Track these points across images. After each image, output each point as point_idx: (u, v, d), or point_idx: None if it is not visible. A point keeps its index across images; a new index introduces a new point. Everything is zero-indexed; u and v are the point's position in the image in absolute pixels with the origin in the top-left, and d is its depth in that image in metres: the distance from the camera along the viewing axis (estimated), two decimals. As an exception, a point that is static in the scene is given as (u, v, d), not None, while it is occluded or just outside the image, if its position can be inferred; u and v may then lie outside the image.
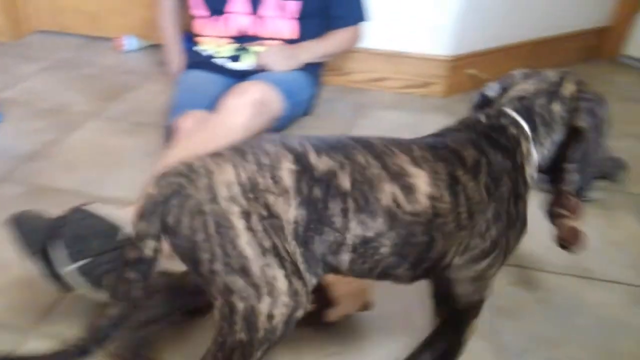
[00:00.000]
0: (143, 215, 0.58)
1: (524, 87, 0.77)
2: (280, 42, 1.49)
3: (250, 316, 0.58)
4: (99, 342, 0.60)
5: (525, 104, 0.75)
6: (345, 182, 0.61)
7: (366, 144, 0.65)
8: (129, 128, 1.54)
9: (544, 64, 2.16)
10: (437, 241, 0.65)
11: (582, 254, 1.12)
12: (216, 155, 0.61)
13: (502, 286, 1.02)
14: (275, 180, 0.59)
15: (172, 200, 0.57)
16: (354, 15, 1.57)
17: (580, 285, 1.04)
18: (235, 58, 1.49)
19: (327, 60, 1.68)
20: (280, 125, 1.35)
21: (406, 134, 1.59)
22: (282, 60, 1.43)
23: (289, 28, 1.47)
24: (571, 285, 1.04)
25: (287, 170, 0.60)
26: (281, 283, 0.58)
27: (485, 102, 0.81)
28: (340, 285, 0.88)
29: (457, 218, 0.66)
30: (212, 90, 1.37)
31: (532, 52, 2.07)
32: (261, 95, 1.19)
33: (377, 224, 0.62)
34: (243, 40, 1.48)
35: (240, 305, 0.57)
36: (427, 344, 0.79)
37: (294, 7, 1.44)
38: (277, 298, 0.58)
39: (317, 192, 0.60)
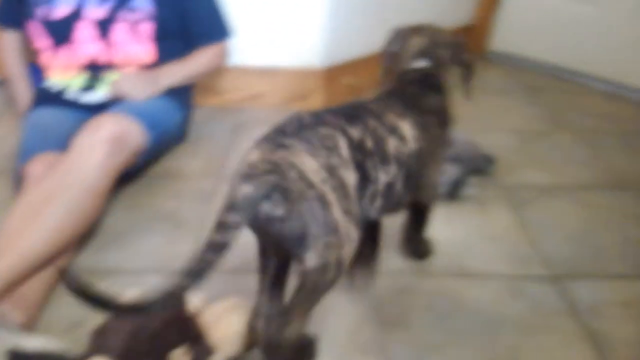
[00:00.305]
0: (235, 209, 0.68)
1: (419, 40, 1.00)
2: (137, 67, 1.39)
3: (339, 262, 0.73)
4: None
5: (428, 52, 0.98)
6: (369, 143, 0.79)
7: (369, 110, 0.84)
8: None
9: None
10: (426, 166, 0.90)
11: (460, 252, 1.16)
12: (286, 147, 0.72)
13: (386, 297, 1.02)
14: (340, 156, 0.74)
15: (275, 195, 0.68)
16: (217, 31, 1.51)
17: (459, 284, 1.07)
18: (88, 89, 1.37)
19: (194, 81, 1.61)
20: (148, 157, 1.27)
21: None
22: (140, 87, 1.32)
23: (145, 52, 1.38)
24: (451, 285, 1.07)
25: (343, 145, 0.76)
26: (353, 234, 0.74)
27: (393, 57, 1.03)
28: (217, 331, 0.82)
29: (431, 146, 0.90)
30: (64, 128, 1.25)
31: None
32: (118, 130, 1.09)
33: (392, 170, 0.83)
34: (96, 69, 1.36)
35: (333, 257, 0.72)
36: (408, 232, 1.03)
37: (148, 29, 1.35)
38: (351, 245, 0.74)
39: (359, 156, 0.77)
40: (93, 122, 1.11)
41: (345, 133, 0.77)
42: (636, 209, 1.35)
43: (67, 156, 1.05)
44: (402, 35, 1.05)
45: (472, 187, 1.36)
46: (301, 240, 0.70)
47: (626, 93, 2.17)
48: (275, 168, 0.69)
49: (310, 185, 0.69)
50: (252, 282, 1.03)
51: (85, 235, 1.09)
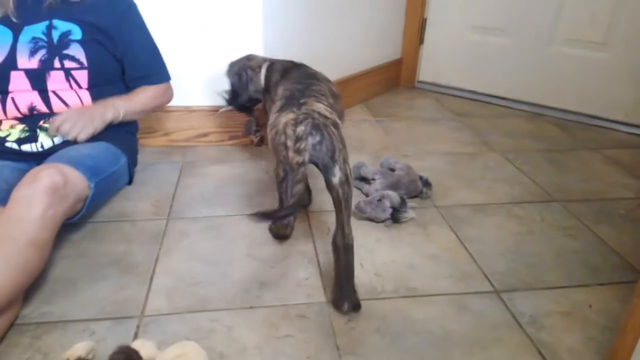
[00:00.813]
0: (301, 151, 1.04)
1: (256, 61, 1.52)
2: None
3: (350, 174, 1.09)
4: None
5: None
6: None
7: (316, 77, 1.30)
8: None
9: (355, 98, 2.37)
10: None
11: (406, 274, 1.21)
12: (303, 103, 1.12)
13: (339, 323, 1.05)
14: (330, 98, 1.21)
15: (316, 135, 1.06)
16: (156, 73, 1.52)
17: (408, 305, 1.11)
18: (30, 139, 1.34)
19: (137, 124, 1.61)
20: (91, 203, 1.24)
21: (233, 185, 1.60)
22: (84, 123, 1.28)
23: (81, 100, 1.37)
24: (400, 307, 1.11)
25: (328, 93, 1.23)
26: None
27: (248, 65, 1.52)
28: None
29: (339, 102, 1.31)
30: (3, 179, 1.21)
31: (341, 90, 2.23)
32: (58, 179, 1.07)
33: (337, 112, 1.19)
34: (34, 118, 1.34)
35: (348, 169, 1.09)
36: None
37: (83, 77, 1.35)
38: None
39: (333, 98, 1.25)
40: (31, 174, 1.08)
41: (326, 85, 1.27)
42: (564, 221, 1.47)
43: (6, 209, 1.02)
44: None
45: (412, 211, 1.43)
46: (332, 154, 1.06)
47: (546, 112, 2.37)
48: (307, 116, 1.07)
49: (326, 117, 1.09)
50: (206, 321, 1.04)
51: (30, 287, 1.05)
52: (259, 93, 1.51)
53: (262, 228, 1.38)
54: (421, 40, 2.62)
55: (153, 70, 1.51)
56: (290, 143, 1.05)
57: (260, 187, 1.61)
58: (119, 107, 1.39)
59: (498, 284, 1.20)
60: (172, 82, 1.58)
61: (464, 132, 2.12)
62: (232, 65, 1.55)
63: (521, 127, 2.22)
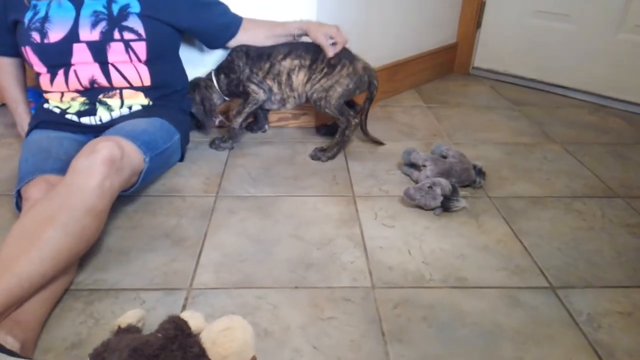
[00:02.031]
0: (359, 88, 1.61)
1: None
2: (133, 90, 1.41)
3: None
4: None
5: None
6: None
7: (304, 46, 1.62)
8: (-28, 203, 1.36)
9: (406, 83, 2.31)
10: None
11: (456, 264, 1.18)
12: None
13: (385, 309, 1.03)
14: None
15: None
16: (234, 17, 1.62)
17: (457, 296, 1.08)
18: (89, 112, 1.38)
19: (191, 103, 1.63)
20: (146, 177, 1.27)
21: (283, 166, 1.60)
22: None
23: (139, 74, 1.40)
24: (449, 297, 1.08)
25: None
26: None
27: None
28: (219, 348, 0.82)
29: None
30: (63, 150, 1.26)
31: (391, 75, 2.19)
32: (115, 152, 1.10)
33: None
34: (93, 91, 1.38)
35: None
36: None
37: (142, 50, 1.37)
38: None
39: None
40: (90, 145, 1.11)
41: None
42: (626, 218, 1.38)
43: (65, 178, 1.05)
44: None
45: (464, 200, 1.38)
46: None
47: (609, 104, 2.24)
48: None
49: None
50: (251, 298, 1.05)
51: (85, 255, 1.09)
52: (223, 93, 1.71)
53: (309, 210, 1.37)
54: (478, 25, 2.52)
55: (230, 18, 1.61)
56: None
57: (307, 169, 1.60)
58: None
59: (554, 279, 1.14)
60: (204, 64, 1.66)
61: (521, 122, 2.03)
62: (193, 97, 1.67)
63: (583, 118, 2.10)
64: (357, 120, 1.64)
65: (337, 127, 1.65)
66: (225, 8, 1.60)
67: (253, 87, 1.63)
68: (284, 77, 1.63)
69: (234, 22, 1.60)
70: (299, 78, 1.62)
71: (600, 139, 1.89)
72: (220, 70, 1.66)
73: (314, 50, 1.60)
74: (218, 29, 1.59)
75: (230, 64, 1.64)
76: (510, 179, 1.57)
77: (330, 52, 1.55)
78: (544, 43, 2.36)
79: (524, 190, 1.51)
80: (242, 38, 1.62)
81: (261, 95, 1.63)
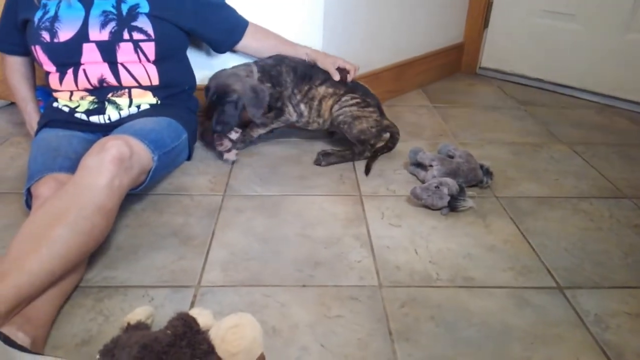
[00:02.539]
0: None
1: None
2: (141, 89, 1.42)
3: None
4: None
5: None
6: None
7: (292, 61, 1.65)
8: (-18, 201, 1.37)
9: (412, 83, 2.31)
10: None
11: (463, 263, 1.18)
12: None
13: (393, 308, 1.03)
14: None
15: None
16: (240, 19, 1.62)
17: (465, 296, 1.08)
18: (98, 111, 1.39)
19: (198, 102, 1.64)
20: (154, 176, 1.28)
21: (290, 166, 1.60)
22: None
23: (148, 74, 1.41)
24: (456, 296, 1.08)
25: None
26: None
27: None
28: (228, 345, 0.83)
29: None
30: (72, 149, 1.26)
31: (398, 74, 2.19)
32: (124, 151, 1.10)
33: None
34: (104, 91, 1.39)
35: None
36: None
37: (151, 50, 1.38)
38: None
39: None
40: (99, 144, 1.12)
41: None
42: (634, 219, 1.38)
43: (75, 177, 1.06)
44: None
45: (471, 200, 1.38)
46: None
47: (617, 104, 2.23)
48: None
49: None
50: (259, 296, 1.05)
51: (94, 253, 1.10)
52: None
53: (316, 209, 1.37)
54: (485, 24, 2.51)
55: (234, 21, 1.61)
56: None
57: (314, 168, 1.60)
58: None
59: (561, 279, 1.14)
60: (234, 60, 1.63)
61: (528, 122, 2.03)
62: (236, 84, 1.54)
63: (590, 118, 2.09)
64: (369, 155, 1.64)
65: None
66: (230, 12, 1.60)
67: (290, 108, 1.64)
68: (315, 103, 1.64)
69: (238, 28, 1.60)
70: (327, 105, 1.63)
71: (607, 140, 1.89)
72: (265, 76, 1.61)
73: (347, 85, 1.64)
74: (221, 33, 1.59)
75: (279, 76, 1.61)
76: (518, 179, 1.57)
77: (337, 77, 1.59)
78: (552, 43, 2.35)
79: (531, 190, 1.51)
80: (249, 45, 1.63)
81: (294, 118, 1.65)
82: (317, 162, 1.62)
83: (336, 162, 1.63)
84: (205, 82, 1.75)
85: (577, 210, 1.41)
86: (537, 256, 1.21)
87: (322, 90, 1.63)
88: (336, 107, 1.62)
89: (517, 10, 2.41)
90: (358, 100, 1.63)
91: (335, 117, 1.63)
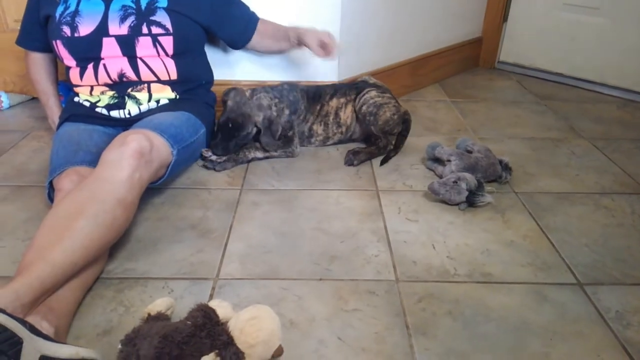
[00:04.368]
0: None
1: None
2: (160, 84, 1.43)
3: None
4: None
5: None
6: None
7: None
8: (7, 193, 1.40)
9: (430, 78, 2.29)
10: None
11: (481, 259, 1.17)
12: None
13: (410, 303, 1.03)
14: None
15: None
16: (252, 16, 1.61)
17: (483, 291, 1.07)
18: (118, 105, 1.41)
19: (215, 97, 1.65)
20: (173, 170, 1.29)
21: (306, 161, 1.60)
22: None
23: (167, 68, 1.42)
24: (474, 291, 1.07)
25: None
26: None
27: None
28: (247, 337, 0.84)
29: None
30: (93, 143, 1.29)
31: (415, 69, 2.18)
32: (145, 145, 1.12)
33: None
34: (124, 86, 1.41)
35: None
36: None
37: (168, 43, 1.39)
38: None
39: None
40: (120, 138, 1.14)
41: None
42: (655, 214, 1.35)
43: (96, 171, 1.08)
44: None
45: (490, 195, 1.37)
46: None
47: (639, 99, 2.18)
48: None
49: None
50: (277, 289, 1.06)
51: (115, 245, 1.12)
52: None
53: (332, 204, 1.37)
54: (505, 18, 2.48)
55: (247, 17, 1.61)
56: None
57: (330, 163, 1.60)
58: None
59: (582, 276, 1.12)
60: (249, 57, 1.64)
61: (548, 117, 2.00)
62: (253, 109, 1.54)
63: (612, 113, 2.06)
64: (392, 147, 1.65)
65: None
66: (243, 9, 1.60)
67: (297, 140, 1.64)
68: (331, 117, 1.67)
69: (250, 25, 1.60)
70: (346, 112, 1.67)
71: (629, 135, 1.85)
72: (284, 102, 1.61)
73: (356, 86, 1.68)
74: (236, 30, 1.58)
75: (296, 102, 1.63)
76: (537, 174, 1.55)
77: (320, 54, 1.55)
78: (573, 37, 2.31)
79: (551, 186, 1.49)
80: (255, 41, 1.62)
81: (296, 153, 1.63)
82: (349, 163, 1.59)
83: (366, 159, 1.62)
84: (222, 78, 1.75)
85: (598, 206, 1.39)
86: (557, 252, 1.20)
87: (334, 103, 1.66)
88: (358, 101, 1.64)
89: (537, 3, 2.38)
90: (374, 90, 1.64)
91: (359, 111, 1.64)
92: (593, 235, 1.26)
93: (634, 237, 1.26)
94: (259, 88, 1.62)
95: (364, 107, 1.62)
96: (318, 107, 1.66)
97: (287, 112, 1.61)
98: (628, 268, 1.15)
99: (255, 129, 1.55)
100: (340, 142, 1.73)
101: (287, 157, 1.63)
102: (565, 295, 1.06)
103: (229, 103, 1.54)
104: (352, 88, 1.69)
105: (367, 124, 1.63)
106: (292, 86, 1.66)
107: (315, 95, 1.66)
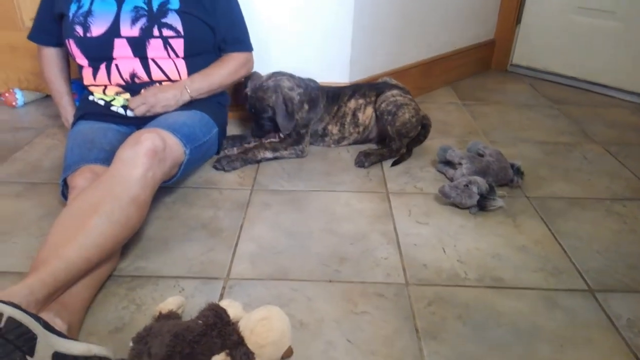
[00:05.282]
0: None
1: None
2: (172, 84, 1.44)
3: None
4: None
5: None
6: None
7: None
8: (22, 190, 1.42)
9: (441, 80, 2.29)
10: None
11: (491, 263, 1.16)
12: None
13: (420, 306, 1.03)
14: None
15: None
16: (246, 42, 1.58)
17: (493, 296, 1.07)
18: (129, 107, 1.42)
19: (229, 98, 1.66)
20: (185, 169, 1.30)
21: (316, 162, 1.60)
22: (160, 109, 1.39)
23: (178, 69, 1.43)
24: (485, 296, 1.07)
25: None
26: None
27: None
28: (257, 337, 0.84)
29: None
30: (107, 141, 1.30)
31: (427, 71, 2.17)
32: (158, 144, 1.13)
33: None
34: (137, 87, 1.42)
35: None
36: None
37: (179, 45, 1.40)
38: None
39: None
40: (134, 137, 1.15)
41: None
42: (669, 221, 1.34)
43: (110, 169, 1.09)
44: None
45: (501, 199, 1.36)
46: None
47: (653, 105, 2.16)
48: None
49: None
50: (287, 290, 1.06)
51: (127, 243, 1.13)
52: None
53: (342, 205, 1.38)
54: (518, 21, 2.47)
55: (241, 38, 1.56)
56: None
57: (340, 165, 1.61)
58: (192, 90, 1.43)
59: (593, 282, 1.12)
60: (259, 53, 1.62)
61: (560, 121, 1.99)
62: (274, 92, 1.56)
63: (625, 118, 2.04)
64: (405, 152, 1.64)
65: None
66: (232, 22, 1.54)
67: (308, 139, 1.66)
68: (348, 118, 1.67)
69: (225, 46, 1.54)
70: (366, 114, 1.67)
71: (643, 140, 1.84)
72: (306, 97, 1.62)
73: (377, 87, 1.69)
74: (221, 40, 1.53)
75: (317, 100, 1.64)
76: (549, 179, 1.54)
77: (135, 110, 1.40)
78: (587, 41, 2.29)
79: (563, 190, 1.48)
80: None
81: (305, 153, 1.65)
82: (360, 164, 1.59)
83: (377, 161, 1.61)
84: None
85: (610, 211, 1.38)
86: (568, 258, 1.19)
87: (352, 104, 1.67)
88: (378, 103, 1.65)
89: (551, 6, 2.36)
90: (397, 91, 1.65)
91: (378, 108, 1.64)
92: (604, 242, 1.25)
93: (647, 244, 1.25)
94: (282, 72, 1.63)
95: (384, 105, 1.62)
96: (335, 108, 1.67)
97: (306, 107, 1.62)
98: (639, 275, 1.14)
99: (271, 111, 1.57)
100: (356, 142, 1.73)
101: (297, 157, 1.63)
102: (576, 302, 1.06)
103: (248, 92, 1.60)
104: (373, 89, 1.69)
105: (384, 122, 1.62)
106: (315, 83, 1.67)
107: (335, 96, 1.67)
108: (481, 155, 1.50)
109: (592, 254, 1.21)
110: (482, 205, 1.34)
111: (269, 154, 1.61)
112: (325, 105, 1.66)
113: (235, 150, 1.62)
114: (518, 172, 1.48)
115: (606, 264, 1.18)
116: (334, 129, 1.68)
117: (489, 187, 1.35)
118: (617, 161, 1.67)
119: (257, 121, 1.61)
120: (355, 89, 1.69)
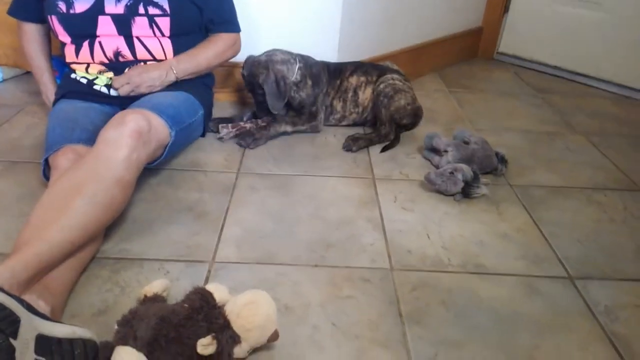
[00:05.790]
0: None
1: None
2: (157, 63, 1.41)
3: None
4: None
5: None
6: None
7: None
8: (1, 169, 1.38)
9: (428, 67, 2.29)
10: None
11: (474, 250, 1.18)
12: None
13: (404, 292, 1.04)
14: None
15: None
16: (234, 23, 1.54)
17: (475, 282, 1.09)
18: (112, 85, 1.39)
19: (214, 78, 1.63)
20: (170, 151, 1.28)
21: (304, 146, 1.60)
22: (145, 89, 1.36)
23: (163, 48, 1.40)
24: (467, 282, 1.09)
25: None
26: None
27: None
28: (243, 321, 0.84)
29: None
30: (90, 120, 1.27)
31: (415, 57, 2.17)
32: (143, 125, 1.11)
33: None
34: (121, 66, 1.39)
35: None
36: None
37: (164, 24, 1.37)
38: None
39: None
40: (118, 117, 1.12)
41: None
42: (647, 211, 1.38)
43: (94, 149, 1.07)
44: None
45: (485, 187, 1.38)
46: None
47: (634, 95, 2.20)
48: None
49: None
50: (272, 274, 1.07)
51: (111, 225, 1.11)
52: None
53: (329, 190, 1.38)
54: (506, 9, 2.47)
55: (232, 18, 1.53)
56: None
57: (328, 149, 1.60)
58: (177, 71, 1.40)
59: (572, 270, 1.14)
60: (249, 33, 1.60)
61: (544, 110, 2.01)
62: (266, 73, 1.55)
63: (607, 109, 2.07)
64: (393, 137, 1.64)
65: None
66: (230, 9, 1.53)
67: (321, 115, 1.65)
68: (349, 94, 1.67)
69: (213, 26, 1.51)
70: (365, 93, 1.67)
71: (623, 131, 1.87)
72: (307, 72, 1.61)
73: (380, 68, 1.69)
74: (209, 21, 1.49)
75: (319, 75, 1.62)
76: (532, 167, 1.56)
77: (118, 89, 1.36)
78: (573, 31, 2.31)
79: (546, 179, 1.50)
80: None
81: (320, 128, 1.66)
82: (348, 148, 1.59)
83: (365, 146, 1.62)
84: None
85: (590, 201, 1.41)
86: (549, 245, 1.22)
87: (353, 80, 1.66)
88: (377, 84, 1.65)
89: (539, -5, 2.37)
90: (398, 76, 1.66)
91: (376, 88, 1.64)
92: (585, 230, 1.28)
93: (625, 233, 1.28)
94: (279, 48, 1.62)
95: (382, 86, 1.63)
96: (338, 82, 1.66)
97: (309, 83, 1.61)
98: (618, 263, 1.17)
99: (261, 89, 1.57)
100: (355, 123, 1.74)
101: (312, 132, 1.66)
102: (556, 288, 1.08)
103: (244, 72, 1.59)
104: (376, 69, 1.69)
105: (379, 104, 1.62)
106: (316, 60, 1.66)
107: (336, 70, 1.67)
108: (467, 143, 1.51)
109: (572, 242, 1.23)
110: (467, 192, 1.36)
111: (289, 128, 1.63)
112: (327, 79, 1.65)
113: (230, 127, 1.60)
114: (502, 160, 1.49)
115: (585, 252, 1.20)
116: (337, 105, 1.68)
117: (474, 175, 1.36)
118: (599, 151, 1.70)
119: (256, 100, 1.61)
120: (358, 66, 1.69)
